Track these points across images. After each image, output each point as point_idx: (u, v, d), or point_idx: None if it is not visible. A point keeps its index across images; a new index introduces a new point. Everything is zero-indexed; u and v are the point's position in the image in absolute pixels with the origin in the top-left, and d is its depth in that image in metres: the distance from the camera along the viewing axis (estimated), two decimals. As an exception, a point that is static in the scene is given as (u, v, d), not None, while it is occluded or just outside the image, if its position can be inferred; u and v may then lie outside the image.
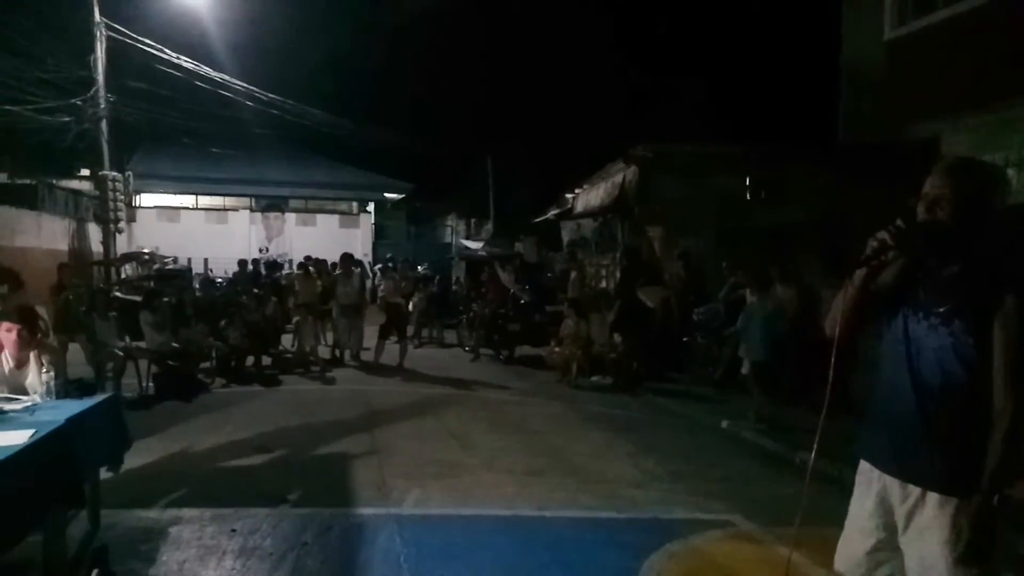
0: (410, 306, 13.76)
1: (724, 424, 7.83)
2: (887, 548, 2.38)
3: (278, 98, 20.72)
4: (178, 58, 17.81)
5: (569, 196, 18.95)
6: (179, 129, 23.24)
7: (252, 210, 28.09)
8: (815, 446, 2.45)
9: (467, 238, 27.48)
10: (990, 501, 2.15)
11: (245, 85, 19.89)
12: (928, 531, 2.24)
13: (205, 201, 28.01)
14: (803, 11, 16.45)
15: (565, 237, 18.80)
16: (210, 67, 18.93)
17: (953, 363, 2.22)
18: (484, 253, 18.98)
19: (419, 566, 4.11)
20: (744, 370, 7.96)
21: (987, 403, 2.19)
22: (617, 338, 10.53)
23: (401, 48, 36.41)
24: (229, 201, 28.12)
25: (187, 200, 27.69)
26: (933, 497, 2.24)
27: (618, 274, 14.36)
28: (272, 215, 27.98)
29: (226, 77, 19.52)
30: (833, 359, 2.35)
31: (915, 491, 2.28)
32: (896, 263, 2.32)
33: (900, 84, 9.34)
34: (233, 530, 4.55)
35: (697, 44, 23.44)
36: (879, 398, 2.44)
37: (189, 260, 21.26)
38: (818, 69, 12.91)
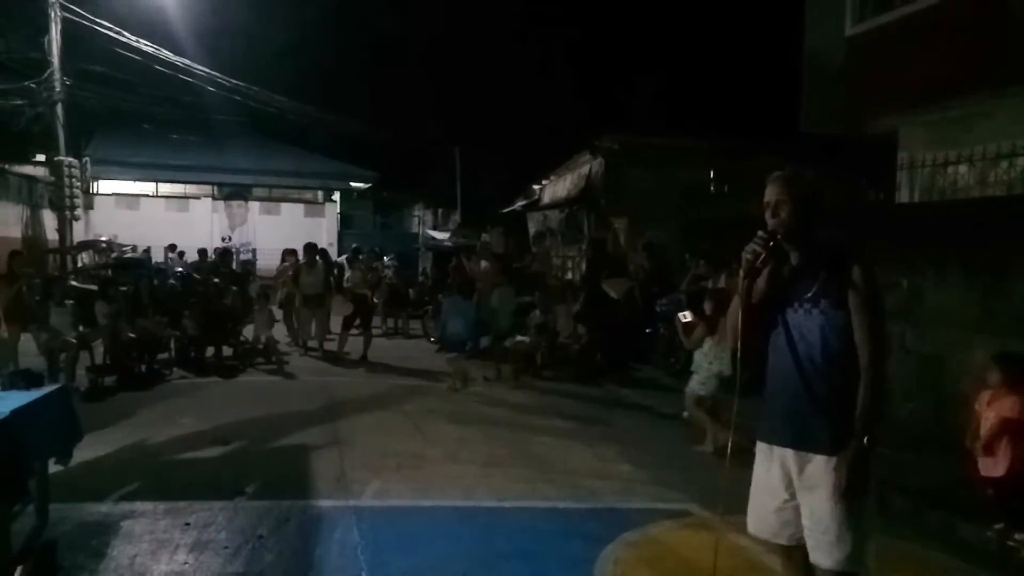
0: (375, 296, 13.66)
1: (685, 414, 7.90)
2: (792, 508, 2.70)
3: (241, 84, 20.35)
4: (137, 41, 17.37)
5: (536, 187, 19.00)
6: (138, 114, 22.73)
7: (214, 198, 27.57)
8: (731, 432, 2.95)
9: (434, 228, 27.33)
10: (861, 443, 2.51)
11: (207, 70, 19.50)
12: (817, 487, 2.59)
13: (165, 188, 27.38)
14: (768, 7, 16.65)
15: (532, 228, 18.84)
16: (171, 51, 18.53)
17: (832, 337, 2.59)
18: (451, 243, 18.91)
19: (376, 558, 4.09)
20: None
21: (859, 366, 2.57)
22: (581, 329, 10.58)
23: (369, 36, 36.00)
24: (190, 189, 27.52)
25: (147, 187, 27.05)
26: (820, 459, 2.59)
27: (583, 265, 14.44)
28: (235, 203, 27.49)
29: (187, 62, 19.11)
30: (739, 366, 2.68)
31: (806, 456, 2.63)
32: (767, 267, 2.69)
33: (860, 79, 9.46)
34: (187, 524, 4.48)
35: (664, 38, 23.57)
36: (770, 385, 2.78)
37: (148, 249, 20.80)
38: (782, 64, 13.07)
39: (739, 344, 2.68)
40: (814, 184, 2.76)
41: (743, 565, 3.99)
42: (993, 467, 4.70)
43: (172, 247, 19.02)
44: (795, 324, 2.66)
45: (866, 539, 2.57)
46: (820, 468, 2.58)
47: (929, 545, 4.60)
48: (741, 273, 2.69)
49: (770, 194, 2.74)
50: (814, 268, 2.66)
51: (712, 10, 21.81)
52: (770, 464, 2.75)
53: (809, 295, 2.63)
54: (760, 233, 2.67)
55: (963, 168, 7.76)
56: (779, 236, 2.66)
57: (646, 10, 24.61)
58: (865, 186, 9.96)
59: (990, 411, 4.76)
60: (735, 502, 2.91)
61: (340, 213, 29.89)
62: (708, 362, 6.68)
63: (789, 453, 2.68)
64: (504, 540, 4.42)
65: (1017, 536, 4.49)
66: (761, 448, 2.81)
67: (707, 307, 6.79)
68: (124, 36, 17.06)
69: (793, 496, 2.68)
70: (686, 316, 7.02)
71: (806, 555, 2.68)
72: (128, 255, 18.33)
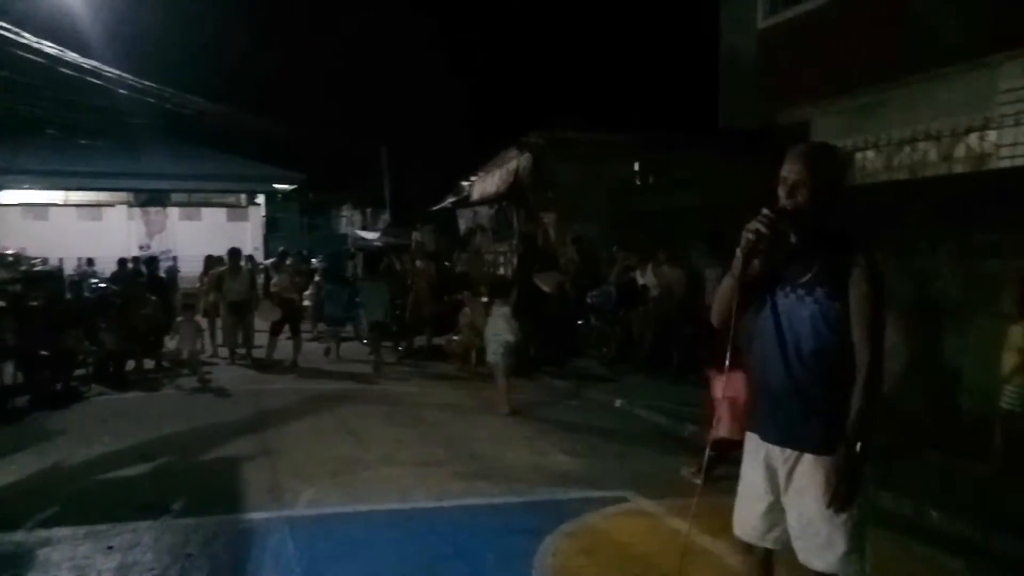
0: (304, 300, 13.36)
1: (618, 403, 8.04)
2: (777, 511, 2.54)
3: (154, 85, 19.54)
4: (39, 43, 16.45)
5: (465, 184, 18.91)
6: (44, 120, 21.54)
7: (130, 205, 26.39)
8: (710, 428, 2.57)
9: (363, 228, 26.94)
10: (853, 449, 2.32)
11: (116, 71, 18.64)
12: (806, 489, 2.42)
13: (76, 197, 26.04)
14: (686, 2, 17.03)
15: (462, 225, 18.77)
16: (77, 52, 17.61)
17: (823, 328, 2.40)
18: (380, 243, 18.67)
19: (312, 568, 4.00)
20: None
21: (852, 363, 2.38)
22: (514, 323, 10.59)
23: (289, 36, 35.15)
24: (104, 196, 26.26)
25: (56, 196, 25.70)
26: (809, 458, 2.42)
27: (515, 260, 14.48)
28: (153, 210, 26.37)
29: (95, 63, 18.21)
30: (729, 348, 2.48)
31: (793, 454, 2.46)
32: (768, 248, 2.44)
33: (773, 71, 9.81)
34: (110, 547, 4.27)
35: (586, 35, 23.85)
36: (757, 372, 2.60)
37: (61, 260, 19.77)
38: (701, 58, 13.40)
39: (732, 325, 2.50)
40: (841, 167, 2.50)
41: (676, 548, 4.07)
42: None
43: (90, 261, 18.34)
44: (785, 309, 2.47)
45: (862, 542, 2.40)
46: (809, 469, 2.41)
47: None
48: (739, 252, 2.44)
49: (789, 171, 2.44)
50: (813, 253, 2.45)
51: (633, 6, 22.19)
52: (756, 464, 2.57)
53: (803, 280, 2.44)
54: (765, 211, 2.40)
55: (871, 154, 8.13)
56: (785, 217, 2.41)
57: (570, 7, 24.85)
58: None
59: None
60: (670, 487, 2.93)
61: (265, 216, 29.08)
62: (495, 333, 7.89)
63: (775, 450, 2.51)
64: (443, 541, 4.39)
65: None
66: (749, 443, 2.63)
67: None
68: (23, 37, 16.13)
69: (778, 498, 2.52)
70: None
71: (770, 555, 2.62)
72: (38, 268, 17.38)
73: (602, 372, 9.88)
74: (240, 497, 5.15)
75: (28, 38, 16.22)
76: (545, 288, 11.42)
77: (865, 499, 2.40)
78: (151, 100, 20.11)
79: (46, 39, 16.57)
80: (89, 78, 18.07)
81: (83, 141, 23.58)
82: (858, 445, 2.32)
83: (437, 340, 11.90)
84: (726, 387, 4.70)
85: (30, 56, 16.49)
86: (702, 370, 7.68)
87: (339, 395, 8.81)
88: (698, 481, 4.75)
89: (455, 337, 10.85)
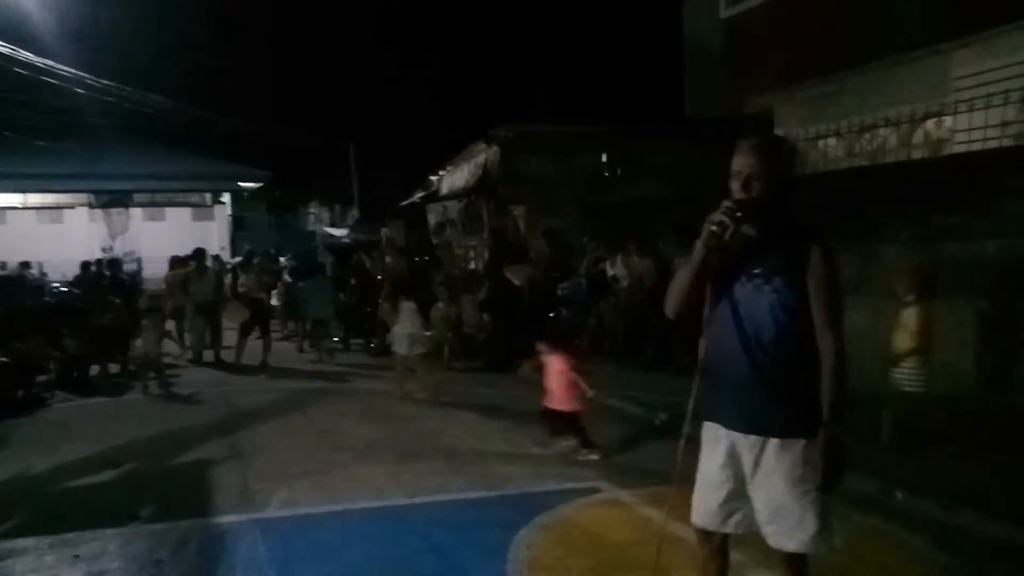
0: (273, 299, 13.21)
1: (590, 394, 8.05)
2: (738, 498, 2.58)
3: (112, 84, 19.13)
4: (-11, 42, 15.98)
5: (434, 178, 18.80)
6: (-1, 121, 21.02)
7: (92, 206, 25.85)
8: (688, 413, 2.68)
9: (332, 225, 26.70)
10: (833, 431, 2.38)
11: (73, 70, 18.21)
12: (774, 474, 2.47)
13: (36, 199, 25.47)
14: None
15: (432, 220, 18.66)
16: (31, 52, 17.14)
17: (782, 316, 2.45)
18: (349, 240, 18.51)
19: (285, 570, 3.96)
20: None
21: (812, 348, 2.44)
22: (486, 318, 10.59)
23: (254, 33, 34.58)
24: (64, 198, 25.71)
25: (14, 199, 25.08)
26: (775, 443, 2.47)
27: (486, 254, 14.45)
28: (115, 211, 25.86)
29: (50, 62, 17.75)
30: (684, 331, 2.49)
31: (758, 440, 2.50)
32: (733, 240, 2.45)
33: (737, 60, 9.90)
34: (76, 556, 4.18)
35: (552, 27, 23.83)
36: (715, 361, 2.61)
37: (20, 265, 19.30)
38: (667, 48, 13.47)
39: (704, 318, 2.53)
40: (792, 158, 2.53)
41: (650, 537, 4.10)
42: None
43: (26, 264, 18.01)
44: (742, 299, 2.50)
45: (828, 518, 2.48)
46: (776, 453, 2.46)
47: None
48: (700, 245, 2.45)
49: (742, 164, 2.48)
50: (769, 243, 2.49)
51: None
52: (717, 452, 2.60)
53: (760, 270, 2.48)
54: (726, 203, 2.43)
55: (832, 141, 8.25)
56: (744, 208, 2.44)
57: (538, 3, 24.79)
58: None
59: None
60: (642, 476, 2.93)
61: (231, 215, 28.72)
62: (401, 327, 8.37)
63: (739, 437, 2.54)
64: (418, 537, 4.37)
65: None
66: (708, 432, 2.65)
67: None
68: (-27, 36, 15.67)
69: (741, 485, 2.56)
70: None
71: (726, 537, 2.67)
72: (-2, 273, 16.98)
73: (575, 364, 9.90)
74: (210, 501, 5.07)
75: (-22, 38, 15.78)
76: (516, 281, 11.43)
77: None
78: (110, 99, 19.70)
79: (-1, 38, 16.13)
80: (44, 78, 17.63)
81: (40, 142, 23.01)
82: (839, 428, 2.38)
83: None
84: (556, 363, 5.81)
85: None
86: (675, 359, 7.82)
87: (311, 394, 8.72)
88: (595, 456, 5.70)
89: (427, 333, 10.80)
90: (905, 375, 5.38)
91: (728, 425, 2.57)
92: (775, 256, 2.47)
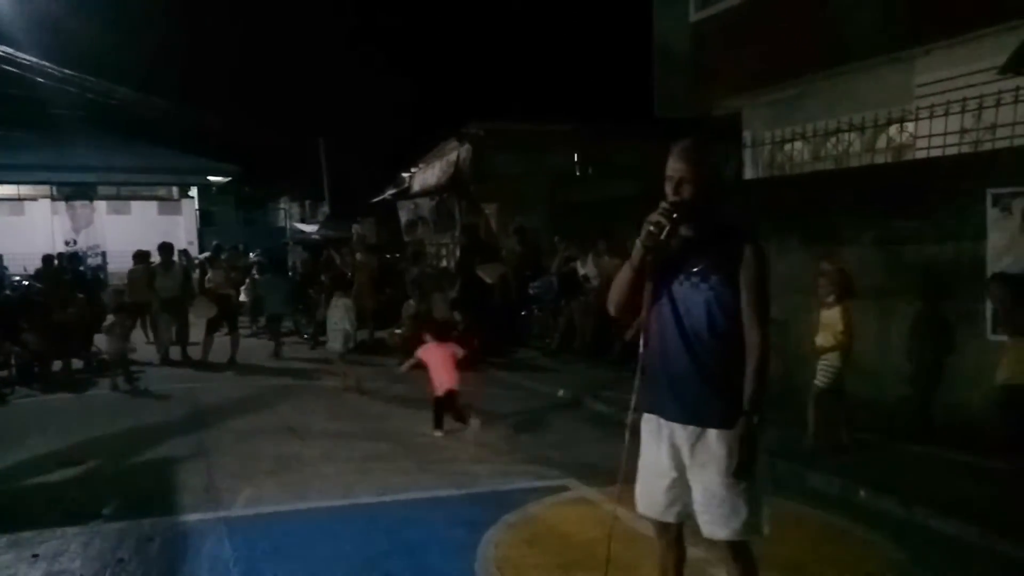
0: (241, 296, 13.05)
1: (560, 392, 8.13)
2: (680, 486, 2.68)
3: (75, 74, 18.69)
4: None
5: (405, 175, 18.76)
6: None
7: (54, 199, 25.25)
8: (632, 406, 2.76)
9: (302, 221, 26.44)
10: (751, 422, 2.52)
11: (34, 59, 17.75)
12: (709, 463, 2.58)
13: (-5, 191, 24.81)
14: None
15: (403, 217, 18.62)
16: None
17: (718, 312, 2.58)
18: (319, 236, 18.37)
19: (251, 569, 3.93)
20: None
21: (743, 344, 2.58)
22: (458, 316, 10.59)
23: (223, 25, 34.08)
24: (24, 190, 25.04)
25: (-28, 190, 24.42)
26: (712, 433, 2.58)
27: (457, 252, 14.45)
28: (78, 204, 25.27)
29: (10, 50, 17.30)
30: (627, 333, 2.58)
31: (696, 430, 2.61)
32: (670, 239, 2.59)
33: (705, 63, 9.99)
34: (35, 555, 4.11)
35: (524, 26, 23.86)
36: (654, 356, 2.74)
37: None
38: (637, 49, 13.58)
39: (644, 314, 2.62)
40: (718, 158, 2.75)
41: (617, 534, 4.15)
42: None
43: None
44: (680, 297, 2.62)
45: (760, 506, 2.58)
46: (712, 443, 2.57)
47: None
48: (639, 244, 2.58)
49: (674, 168, 2.63)
50: (705, 243, 2.63)
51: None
52: (659, 442, 2.69)
53: (697, 269, 2.60)
54: (664, 204, 2.57)
55: (799, 145, 8.40)
56: (679, 209, 2.57)
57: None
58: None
59: None
60: (611, 474, 2.97)
61: (199, 210, 28.25)
62: (334, 322, 8.59)
63: (678, 428, 2.64)
64: (385, 536, 4.37)
65: None
66: (649, 424, 2.75)
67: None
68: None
69: (682, 473, 2.65)
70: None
71: (680, 528, 2.76)
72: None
73: (545, 363, 9.97)
74: (174, 499, 5.02)
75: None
76: (487, 279, 11.46)
77: (760, 465, 2.59)
78: (73, 90, 19.26)
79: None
80: (5, 66, 17.16)
81: (0, 131, 22.43)
82: (755, 418, 2.53)
83: (380, 334, 11.80)
84: (439, 351, 6.69)
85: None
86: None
87: (279, 392, 8.66)
88: (475, 422, 6.48)
89: (397, 331, 10.78)
90: (824, 372, 5.62)
91: (667, 416, 2.67)
92: (711, 255, 2.61)
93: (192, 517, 4.66)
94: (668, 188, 2.63)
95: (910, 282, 6.18)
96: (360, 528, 4.50)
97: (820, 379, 5.63)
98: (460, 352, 6.86)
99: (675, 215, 2.54)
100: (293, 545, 4.25)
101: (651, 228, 2.54)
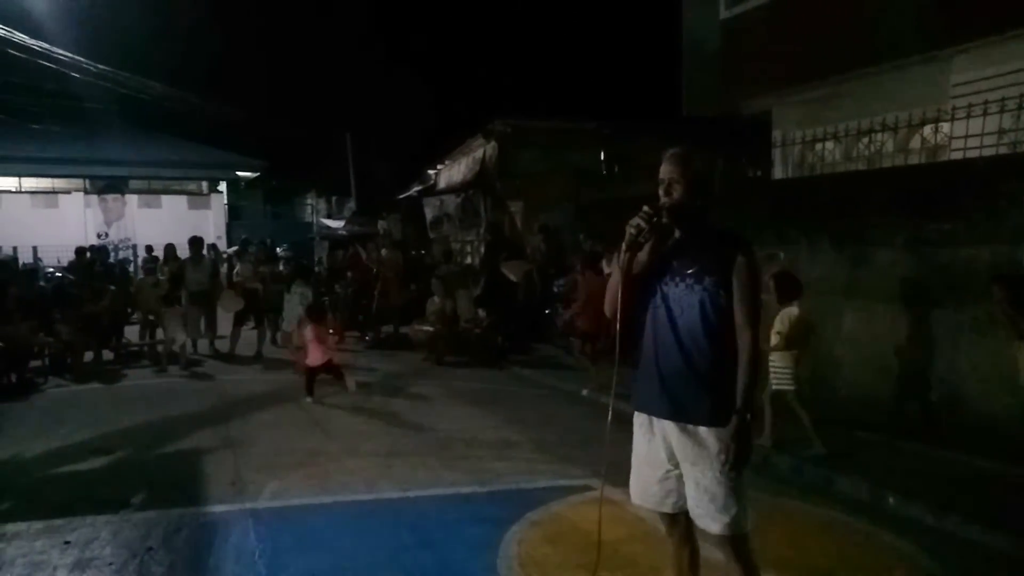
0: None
1: (584, 391, 8.10)
2: (674, 477, 2.79)
3: (109, 69, 18.99)
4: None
5: (431, 172, 18.83)
6: (-10, 105, 20.89)
7: (87, 192, 25.71)
8: (610, 399, 2.94)
9: (328, 217, 26.62)
10: (744, 417, 2.62)
11: (69, 55, 18.06)
12: (702, 460, 2.68)
13: (30, 183, 25.29)
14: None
15: (428, 214, 18.66)
16: (26, 34, 17.01)
17: (711, 313, 2.67)
18: (345, 232, 18.48)
19: (275, 560, 3.97)
20: None
21: (735, 344, 2.67)
22: (482, 313, 10.61)
23: (254, 21, 34.43)
24: (59, 183, 25.53)
25: (9, 183, 24.93)
26: (703, 430, 2.68)
27: (482, 249, 14.47)
28: (110, 197, 25.69)
29: (47, 46, 17.62)
30: (618, 337, 2.71)
31: (688, 428, 2.71)
32: (648, 242, 2.72)
33: (735, 61, 9.86)
34: (67, 542, 4.20)
35: (552, 23, 23.79)
36: (647, 356, 2.82)
37: (15, 249, 19.21)
38: (666, 47, 13.47)
39: (619, 315, 2.70)
40: (707, 163, 2.82)
41: (639, 535, 4.14)
42: None
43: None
44: (675, 298, 2.71)
45: (744, 498, 2.68)
46: (703, 440, 2.66)
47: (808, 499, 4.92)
48: (623, 246, 2.69)
49: (665, 172, 2.75)
50: (698, 246, 2.72)
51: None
52: (651, 437, 2.81)
53: (691, 271, 2.69)
54: (645, 208, 2.69)
55: (830, 144, 8.27)
56: (665, 213, 2.69)
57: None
58: (745, 164, 10.45)
59: None
60: (621, 473, 2.98)
61: (228, 204, 28.58)
62: (291, 310, 9.52)
63: (669, 425, 2.74)
64: (408, 531, 4.39)
65: None
66: (640, 420, 2.86)
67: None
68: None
69: (676, 466, 2.76)
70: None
71: (689, 519, 2.79)
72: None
73: (569, 360, 9.93)
74: (201, 490, 5.09)
75: (-28, 19, 15.65)
76: (512, 277, 11.46)
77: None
78: (107, 84, 19.55)
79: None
80: (41, 61, 17.48)
81: (36, 126, 22.87)
82: (748, 415, 2.63)
83: (404, 329, 11.85)
84: (315, 332, 7.87)
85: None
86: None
87: (303, 385, 8.71)
88: (352, 386, 7.99)
89: (422, 327, 10.81)
90: (773, 374, 5.64)
91: (659, 414, 2.76)
92: (705, 258, 2.70)
93: (219, 508, 4.72)
94: (660, 191, 2.75)
95: (945, 285, 6.06)
96: (384, 522, 4.53)
97: (772, 380, 5.67)
98: (323, 334, 8.00)
99: (655, 219, 2.66)
100: (317, 538, 4.29)
101: (631, 230, 2.66)
